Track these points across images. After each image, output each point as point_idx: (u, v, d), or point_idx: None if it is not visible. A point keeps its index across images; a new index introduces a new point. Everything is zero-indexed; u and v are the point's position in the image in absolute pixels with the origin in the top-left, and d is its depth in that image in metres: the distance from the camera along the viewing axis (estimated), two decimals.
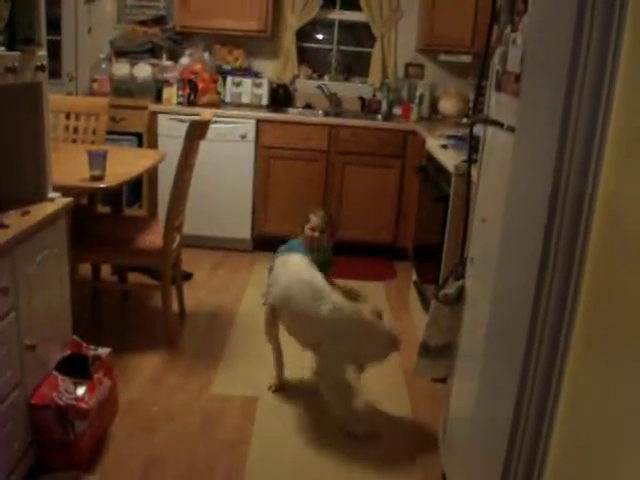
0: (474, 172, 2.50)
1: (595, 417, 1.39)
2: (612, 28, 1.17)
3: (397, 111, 5.64)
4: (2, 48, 2.16)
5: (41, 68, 2.36)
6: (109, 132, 4.62)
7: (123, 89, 5.28)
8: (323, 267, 4.42)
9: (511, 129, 1.82)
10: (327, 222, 4.32)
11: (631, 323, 1.32)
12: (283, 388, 3.23)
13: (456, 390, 2.48)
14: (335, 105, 5.66)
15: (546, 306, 1.33)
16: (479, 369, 1.77)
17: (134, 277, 4.28)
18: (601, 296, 1.31)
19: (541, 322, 1.34)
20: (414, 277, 4.28)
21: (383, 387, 3.37)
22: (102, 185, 3.12)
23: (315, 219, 4.30)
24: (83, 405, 2.43)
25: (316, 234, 4.25)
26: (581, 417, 1.40)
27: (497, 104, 2.22)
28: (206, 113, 3.77)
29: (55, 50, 5.27)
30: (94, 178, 3.13)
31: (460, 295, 2.36)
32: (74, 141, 4.25)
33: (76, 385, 2.50)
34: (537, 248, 1.31)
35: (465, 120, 5.19)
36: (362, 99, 5.71)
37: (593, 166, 1.22)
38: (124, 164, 3.56)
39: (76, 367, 2.58)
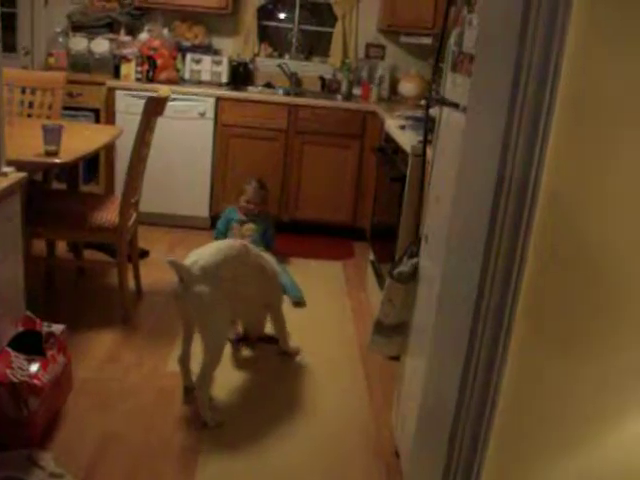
0: (429, 152, 2.54)
1: (537, 390, 1.44)
2: (559, 7, 1.20)
3: (357, 91, 5.65)
4: None
5: None
6: (65, 108, 4.55)
7: (80, 64, 5.19)
8: (263, 243, 4.49)
9: (465, 109, 1.85)
10: (260, 192, 4.45)
11: (572, 298, 1.37)
12: None
13: (409, 367, 2.52)
14: (295, 84, 5.65)
15: (491, 282, 1.36)
16: (429, 345, 1.80)
17: (90, 254, 4.25)
18: (543, 271, 1.35)
19: (487, 299, 1.38)
20: (371, 257, 4.32)
21: (338, 361, 3.42)
22: (57, 161, 3.09)
23: (249, 190, 4.44)
24: (36, 382, 2.42)
25: (251, 206, 4.39)
26: (524, 391, 1.44)
27: (453, 85, 2.24)
28: (164, 90, 3.74)
29: (10, 23, 5.16)
30: (49, 153, 3.09)
31: (414, 273, 2.40)
32: (29, 116, 4.18)
33: (29, 362, 2.49)
34: (484, 226, 1.34)
35: (424, 102, 5.22)
36: (322, 79, 5.70)
37: (538, 146, 1.25)
38: (80, 140, 3.52)
39: (29, 344, 2.56)
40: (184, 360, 3.00)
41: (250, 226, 4.46)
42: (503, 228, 1.32)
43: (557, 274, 1.34)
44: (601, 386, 1.43)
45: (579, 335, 1.40)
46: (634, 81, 1.25)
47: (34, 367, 2.47)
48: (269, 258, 3.43)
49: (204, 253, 2.88)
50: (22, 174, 2.53)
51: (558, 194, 1.29)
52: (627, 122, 1.27)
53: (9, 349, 2.48)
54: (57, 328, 2.70)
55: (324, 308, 4.09)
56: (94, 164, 5.10)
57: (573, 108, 1.26)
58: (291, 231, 5.14)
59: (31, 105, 4.20)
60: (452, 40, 2.24)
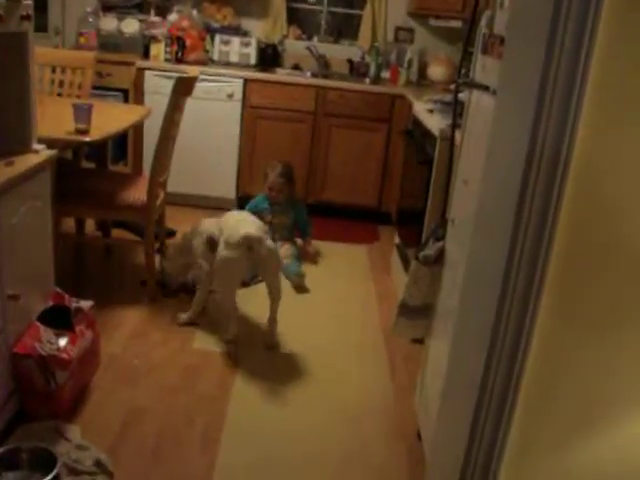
0: (458, 136, 2.52)
1: (561, 375, 1.43)
2: None
3: (385, 75, 5.62)
4: None
5: (27, 17, 2.34)
6: (95, 87, 4.59)
7: (110, 44, 5.23)
8: (298, 229, 4.49)
9: (495, 92, 1.84)
10: (284, 175, 4.38)
11: (603, 281, 1.36)
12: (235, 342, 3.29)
13: (433, 350, 2.52)
14: (323, 67, 5.64)
15: (518, 264, 1.36)
16: (453, 328, 1.81)
17: (118, 233, 4.29)
18: (571, 258, 1.34)
19: (513, 281, 1.38)
20: (397, 240, 4.31)
21: (362, 345, 3.43)
22: (87, 139, 3.12)
23: (271, 176, 4.38)
24: (65, 356, 2.46)
25: (273, 193, 4.34)
26: (548, 375, 1.44)
27: (483, 68, 2.23)
28: (193, 70, 3.74)
29: (42, 3, 5.19)
30: (79, 132, 3.12)
31: (440, 256, 2.40)
32: (59, 95, 4.21)
33: (58, 336, 2.53)
34: (512, 207, 1.34)
35: (453, 86, 5.18)
36: (351, 62, 5.68)
37: (569, 128, 1.25)
38: (109, 119, 3.54)
39: (58, 319, 2.60)
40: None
41: (281, 218, 4.44)
42: (531, 209, 1.31)
43: (587, 255, 1.34)
44: (628, 373, 1.42)
45: (609, 321, 1.39)
46: None
47: (63, 341, 2.51)
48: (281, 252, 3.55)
49: (248, 220, 3.26)
50: (53, 151, 2.56)
51: (588, 174, 1.29)
52: None
53: (38, 323, 2.53)
54: (85, 304, 2.73)
55: (348, 292, 4.10)
56: (123, 144, 5.14)
57: (604, 91, 1.25)
58: (316, 213, 5.14)
59: (61, 84, 4.23)
60: (483, 22, 2.22)
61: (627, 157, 1.29)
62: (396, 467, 2.55)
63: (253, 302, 3.61)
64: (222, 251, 3.11)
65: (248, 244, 3.07)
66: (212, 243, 3.28)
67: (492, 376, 1.49)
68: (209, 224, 3.40)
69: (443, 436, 1.91)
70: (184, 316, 3.44)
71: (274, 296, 3.31)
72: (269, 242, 3.16)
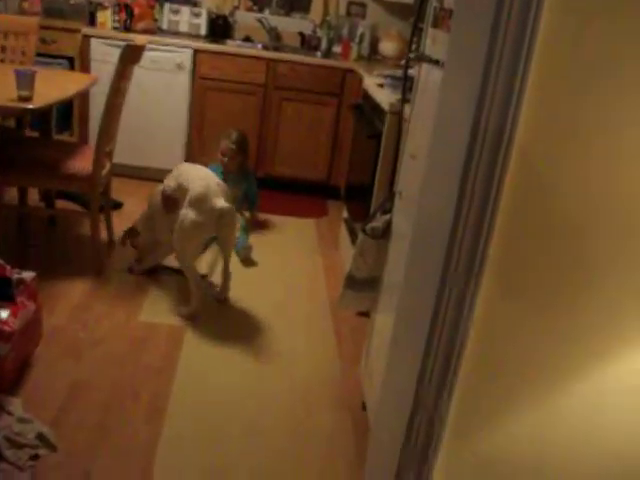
0: (407, 110, 2.53)
1: (503, 344, 1.46)
2: None
3: (337, 49, 5.60)
4: None
5: None
6: (40, 55, 4.47)
7: (54, 10, 5.07)
8: (247, 201, 4.47)
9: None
10: (238, 143, 4.36)
11: (541, 253, 1.39)
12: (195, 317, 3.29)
13: (379, 322, 2.55)
14: (274, 39, 5.58)
15: (461, 239, 1.38)
16: (399, 296, 1.83)
17: (62, 205, 4.21)
18: (513, 230, 1.37)
19: (456, 254, 1.39)
20: (345, 215, 4.33)
21: (309, 318, 3.45)
22: (30, 106, 3.03)
23: (224, 143, 4.35)
24: (6, 328, 2.41)
25: (225, 159, 4.30)
26: (489, 343, 1.47)
27: (433, 41, 2.24)
28: (141, 39, 3.67)
29: None
30: (22, 99, 3.04)
31: (387, 229, 2.41)
32: (2, 61, 4.09)
33: None
34: (456, 182, 1.35)
35: (404, 62, 5.19)
36: (302, 35, 5.64)
37: (514, 102, 1.26)
38: (54, 86, 3.46)
39: None
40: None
41: (233, 190, 4.41)
42: (475, 182, 1.33)
43: (527, 228, 1.36)
44: (567, 340, 1.46)
45: (547, 290, 1.42)
46: (612, 36, 1.26)
47: (4, 313, 2.46)
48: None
49: (210, 176, 3.28)
50: None
51: (531, 147, 1.31)
52: (602, 75, 1.27)
53: None
54: (28, 275, 2.68)
55: (296, 265, 4.11)
56: (68, 114, 5.02)
57: (550, 64, 1.26)
58: (266, 187, 5.11)
59: (4, 50, 4.11)
60: None
61: (569, 129, 1.31)
62: (342, 437, 2.58)
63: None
64: (190, 213, 3.10)
65: (220, 214, 3.09)
66: (167, 200, 3.27)
67: (435, 345, 1.51)
68: (167, 178, 3.40)
69: (387, 406, 1.93)
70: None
71: (228, 252, 3.39)
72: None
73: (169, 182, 3.33)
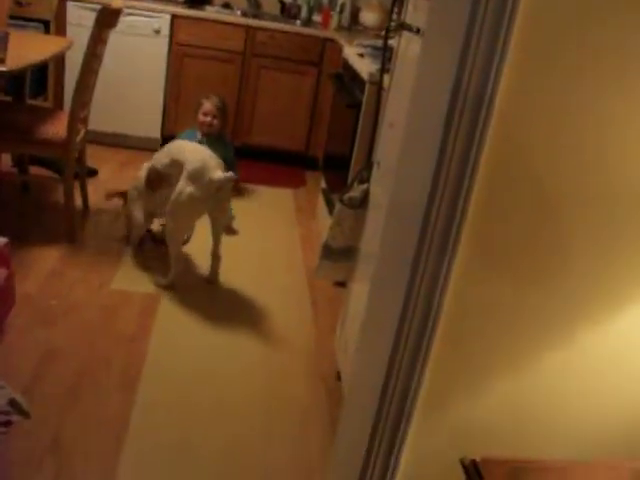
0: (387, 80, 2.51)
1: (478, 310, 1.46)
2: None
3: (317, 18, 5.53)
4: None
5: None
6: (13, 17, 4.38)
7: None
8: (226, 166, 4.41)
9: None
10: (220, 108, 4.30)
11: (518, 222, 1.39)
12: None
13: (354, 292, 2.55)
14: (254, 6, 5.50)
15: (438, 207, 1.36)
16: (375, 265, 1.82)
17: (36, 171, 4.14)
18: (490, 196, 1.36)
19: (433, 221, 1.38)
20: (323, 185, 4.31)
21: (285, 288, 3.44)
22: (2, 68, 2.96)
23: (207, 104, 4.28)
24: None
25: (208, 118, 4.24)
26: (465, 310, 1.47)
27: (414, 9, 2.21)
28: (118, 2, 3.59)
29: None
30: None
31: (364, 199, 2.40)
32: None
33: None
34: (434, 149, 1.33)
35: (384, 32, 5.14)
36: (282, 3, 5.56)
37: (495, 68, 1.24)
38: (28, 50, 3.39)
39: None
40: None
41: None
42: (454, 149, 1.31)
43: (505, 197, 1.35)
44: (542, 311, 1.46)
45: (524, 261, 1.42)
46: (594, 5, 1.24)
47: None
48: None
49: (204, 150, 3.22)
50: None
51: (512, 115, 1.29)
52: (582, 44, 1.26)
53: None
54: (0, 241, 2.64)
55: (273, 235, 4.09)
56: (43, 79, 4.93)
57: (530, 31, 1.25)
58: (243, 156, 5.07)
59: None
60: None
61: (548, 98, 1.30)
62: (316, 407, 2.59)
63: None
64: (188, 187, 3.04)
65: (218, 186, 3.05)
66: (154, 177, 3.22)
67: (409, 315, 1.51)
68: (157, 155, 3.33)
69: (360, 376, 1.93)
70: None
71: (219, 231, 3.32)
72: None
73: (161, 158, 3.26)
